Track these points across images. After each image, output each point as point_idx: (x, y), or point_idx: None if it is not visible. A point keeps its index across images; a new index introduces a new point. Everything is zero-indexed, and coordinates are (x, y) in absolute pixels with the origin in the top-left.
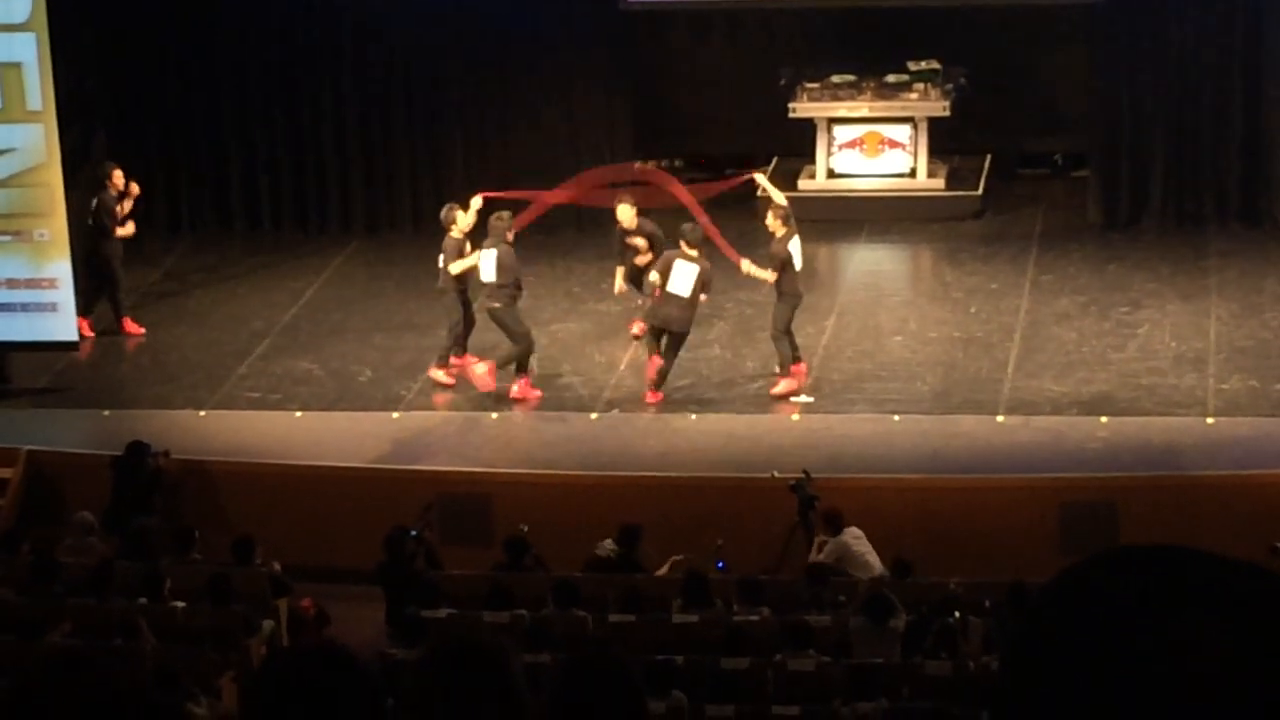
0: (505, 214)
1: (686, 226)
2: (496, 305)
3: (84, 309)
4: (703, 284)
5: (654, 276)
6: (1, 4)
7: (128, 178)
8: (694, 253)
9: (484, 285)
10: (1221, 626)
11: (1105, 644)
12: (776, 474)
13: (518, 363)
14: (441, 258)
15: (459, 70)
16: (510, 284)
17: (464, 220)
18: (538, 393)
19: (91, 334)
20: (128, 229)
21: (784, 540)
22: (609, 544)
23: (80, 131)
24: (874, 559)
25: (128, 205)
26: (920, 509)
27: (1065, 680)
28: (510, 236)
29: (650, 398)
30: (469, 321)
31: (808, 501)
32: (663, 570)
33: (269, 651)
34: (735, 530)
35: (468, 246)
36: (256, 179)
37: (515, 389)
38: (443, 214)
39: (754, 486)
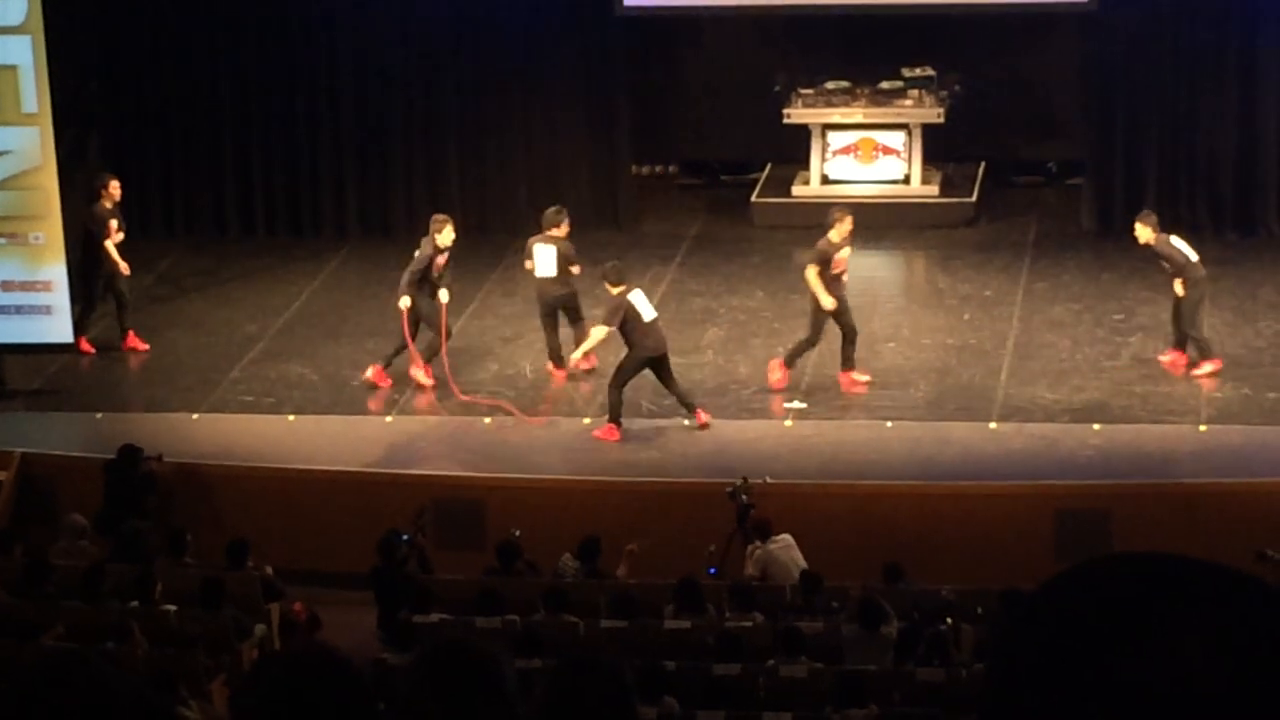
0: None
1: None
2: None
3: (80, 326)
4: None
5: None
6: None
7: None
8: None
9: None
10: (1208, 632)
11: (1093, 650)
12: (769, 479)
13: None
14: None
15: (454, 75)
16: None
17: (448, 235)
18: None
19: (92, 350)
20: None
21: (723, 548)
22: (570, 560)
23: (76, 135)
24: (796, 569)
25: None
26: (913, 516)
27: (1053, 686)
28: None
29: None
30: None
31: (744, 509)
32: (621, 569)
33: (260, 655)
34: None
35: (441, 259)
36: (251, 183)
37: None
38: (433, 221)
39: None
